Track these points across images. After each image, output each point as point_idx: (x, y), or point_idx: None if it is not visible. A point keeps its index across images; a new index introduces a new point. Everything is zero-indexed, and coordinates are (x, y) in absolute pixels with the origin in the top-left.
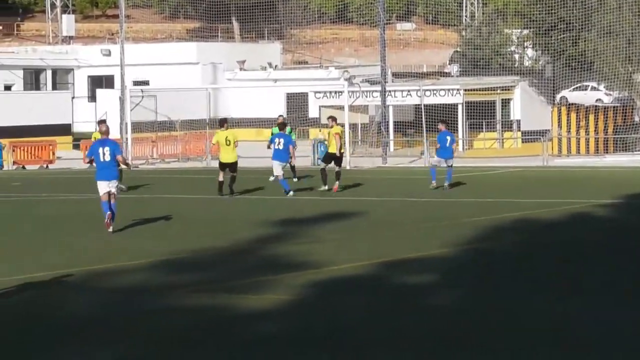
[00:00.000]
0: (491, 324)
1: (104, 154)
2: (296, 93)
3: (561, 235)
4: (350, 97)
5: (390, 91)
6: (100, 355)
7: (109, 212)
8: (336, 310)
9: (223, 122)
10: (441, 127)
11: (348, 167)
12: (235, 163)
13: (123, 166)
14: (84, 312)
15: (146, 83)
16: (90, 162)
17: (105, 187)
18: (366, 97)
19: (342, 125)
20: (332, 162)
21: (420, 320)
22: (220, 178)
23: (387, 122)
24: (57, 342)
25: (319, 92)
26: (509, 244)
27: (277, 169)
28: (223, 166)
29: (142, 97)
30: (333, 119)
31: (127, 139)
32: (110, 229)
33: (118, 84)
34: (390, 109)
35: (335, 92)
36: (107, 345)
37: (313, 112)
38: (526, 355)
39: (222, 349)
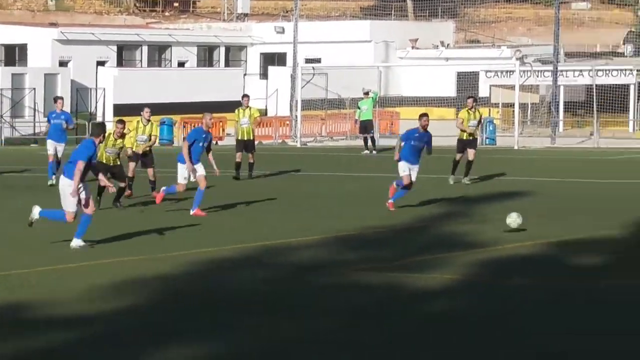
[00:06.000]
0: None
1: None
2: (467, 72)
3: None
4: (521, 76)
5: (562, 71)
6: (271, 329)
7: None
8: (504, 291)
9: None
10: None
11: (516, 147)
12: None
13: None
14: (257, 287)
15: (318, 61)
16: None
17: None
18: (537, 76)
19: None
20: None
21: (593, 303)
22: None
23: (558, 102)
24: (231, 315)
25: (490, 72)
26: None
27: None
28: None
29: (314, 74)
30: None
31: (296, 116)
32: None
33: (290, 61)
34: (562, 88)
35: (507, 72)
36: (279, 319)
37: (483, 91)
38: None
39: (391, 327)
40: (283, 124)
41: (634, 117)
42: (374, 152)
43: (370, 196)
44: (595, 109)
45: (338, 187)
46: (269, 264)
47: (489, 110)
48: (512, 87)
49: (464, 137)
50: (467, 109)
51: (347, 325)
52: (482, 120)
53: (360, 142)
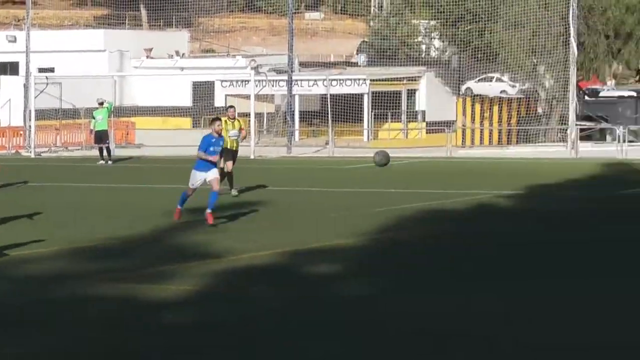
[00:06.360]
0: (401, 314)
1: None
2: (203, 81)
3: (465, 226)
4: (256, 86)
5: (296, 80)
6: (9, 343)
7: None
8: (238, 301)
9: None
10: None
11: (252, 157)
12: None
13: None
14: None
15: (52, 70)
16: None
17: None
18: (272, 86)
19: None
20: None
21: (326, 311)
22: None
23: (293, 111)
24: None
25: (226, 81)
26: (415, 234)
27: None
28: None
29: (47, 84)
30: None
31: (30, 126)
32: None
33: (23, 70)
34: (297, 98)
35: (242, 81)
36: (14, 334)
37: (219, 101)
38: (433, 339)
39: (127, 338)
40: (17, 134)
41: (368, 127)
42: (110, 162)
43: (106, 206)
44: (330, 118)
45: (73, 197)
46: (5, 277)
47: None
48: (248, 97)
49: (228, 147)
50: (226, 118)
51: (84, 337)
52: (244, 128)
53: (95, 152)
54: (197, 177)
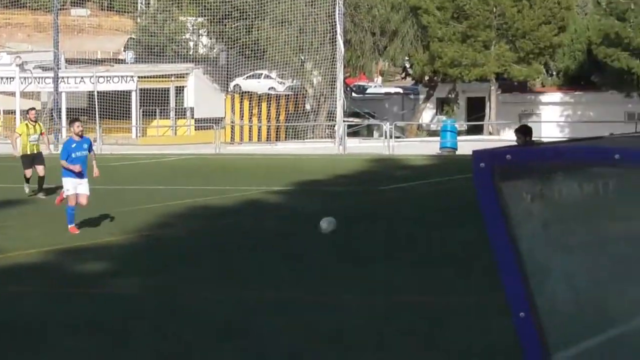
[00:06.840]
0: (166, 310)
1: None
2: None
3: (233, 222)
4: (22, 83)
5: (63, 77)
6: None
7: None
8: (3, 300)
9: None
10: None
11: (17, 155)
12: None
13: None
14: None
15: None
16: None
17: None
18: (39, 83)
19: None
20: None
21: (97, 308)
22: None
23: (60, 108)
24: None
25: None
26: (182, 231)
27: None
28: None
29: None
30: None
31: None
32: None
33: None
34: (63, 95)
35: (7, 78)
36: None
37: None
38: (192, 336)
39: None
40: None
41: (136, 124)
42: None
43: None
44: (97, 115)
45: None
46: None
47: None
48: (13, 94)
49: (28, 152)
50: (27, 121)
51: None
52: (45, 132)
53: None
54: (70, 185)
